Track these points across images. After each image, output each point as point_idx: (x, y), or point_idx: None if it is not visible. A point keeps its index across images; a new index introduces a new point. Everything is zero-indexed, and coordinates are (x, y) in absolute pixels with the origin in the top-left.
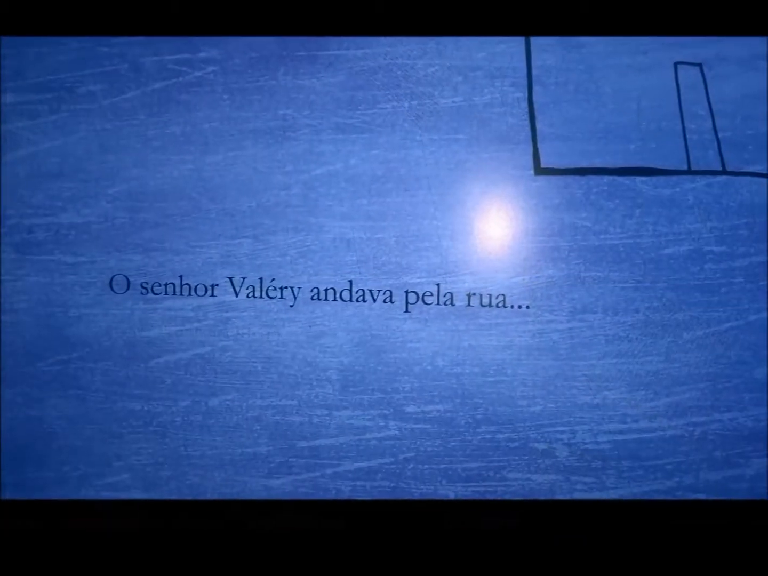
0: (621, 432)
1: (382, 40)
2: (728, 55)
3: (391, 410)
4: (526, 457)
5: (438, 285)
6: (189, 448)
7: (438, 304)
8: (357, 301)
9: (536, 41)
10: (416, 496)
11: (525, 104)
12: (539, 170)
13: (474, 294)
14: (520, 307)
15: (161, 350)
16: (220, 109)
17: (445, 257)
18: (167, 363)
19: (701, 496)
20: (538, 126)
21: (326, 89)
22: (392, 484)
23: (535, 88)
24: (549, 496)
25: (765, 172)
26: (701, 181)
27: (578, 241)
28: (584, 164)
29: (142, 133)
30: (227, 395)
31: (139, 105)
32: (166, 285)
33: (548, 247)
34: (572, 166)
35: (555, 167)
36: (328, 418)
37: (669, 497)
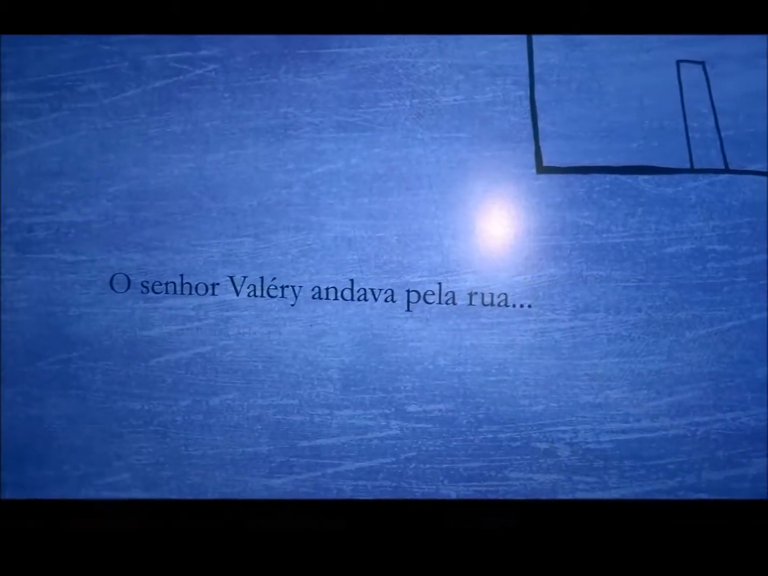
0: (623, 431)
1: (384, 38)
2: (731, 53)
3: (393, 410)
4: (528, 457)
5: (439, 284)
6: (190, 448)
7: (439, 303)
8: (358, 300)
9: (538, 39)
10: (418, 496)
11: (527, 102)
12: (541, 169)
13: (476, 293)
14: (522, 306)
15: (162, 349)
16: (221, 108)
17: (447, 256)
18: (168, 362)
19: (703, 496)
20: (540, 124)
21: (328, 87)
22: (394, 484)
23: (537, 87)
24: (551, 496)
25: (767, 170)
26: (704, 180)
27: (580, 240)
28: (586, 163)
29: (143, 131)
30: (228, 394)
31: (140, 103)
32: (166, 284)
33: (550, 246)
34: (574, 165)
35: (557, 166)
36: (329, 417)
37: (671, 497)
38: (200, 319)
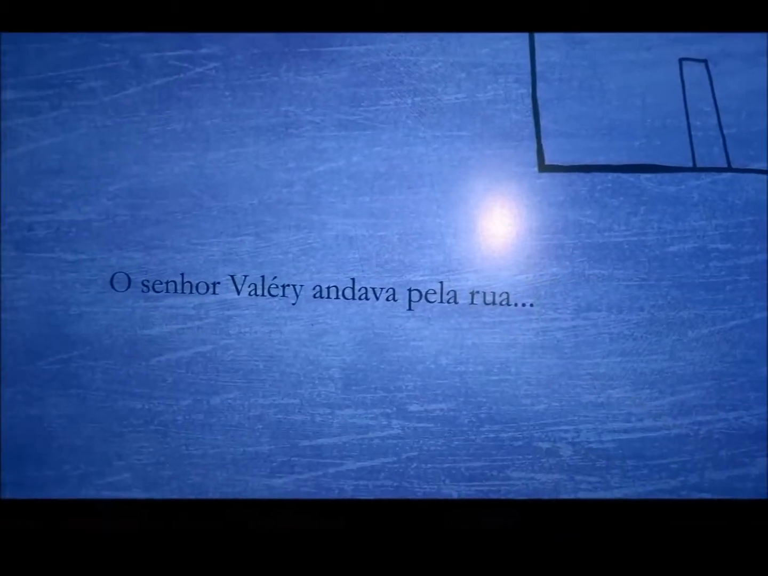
0: (625, 431)
1: (385, 36)
2: (734, 51)
3: (394, 409)
4: (530, 457)
5: (441, 283)
6: (190, 447)
7: (441, 302)
8: (360, 299)
9: (540, 37)
10: (419, 496)
11: (529, 101)
12: (543, 167)
13: (477, 292)
14: (523, 305)
15: (162, 348)
16: (221, 106)
17: (449, 255)
18: (168, 361)
19: (706, 496)
20: (542, 123)
21: (329, 86)
22: (395, 484)
23: (539, 85)
24: (553, 496)
25: None
26: (706, 178)
27: (582, 239)
28: (588, 161)
29: (143, 129)
30: (229, 394)
31: (140, 101)
32: (167, 283)
33: (552, 245)
34: (576, 163)
35: (559, 164)
36: (330, 416)
37: (674, 497)
38: (201, 318)
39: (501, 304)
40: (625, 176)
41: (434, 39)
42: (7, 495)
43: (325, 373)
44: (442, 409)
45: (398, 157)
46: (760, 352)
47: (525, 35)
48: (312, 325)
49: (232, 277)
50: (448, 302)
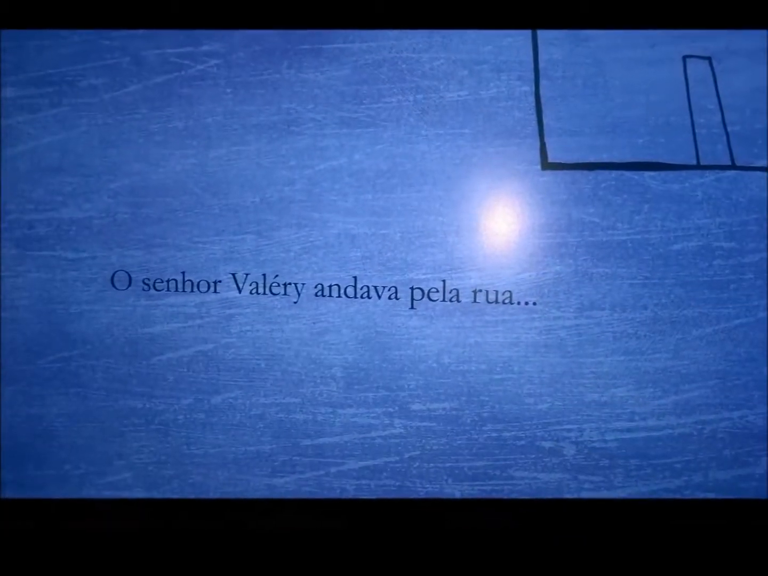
0: (629, 430)
1: (387, 33)
2: (738, 49)
3: (397, 408)
4: (533, 456)
5: (444, 281)
6: (191, 447)
7: (444, 300)
8: (362, 297)
9: (543, 34)
10: (422, 495)
11: (532, 98)
12: (546, 165)
13: (480, 290)
14: (526, 303)
15: (163, 347)
16: (223, 104)
17: (451, 253)
18: (169, 360)
19: (710, 495)
20: (545, 120)
21: (330, 83)
22: (397, 483)
23: (542, 82)
24: (556, 495)
25: None
26: (710, 176)
27: (586, 237)
28: (592, 159)
29: (144, 127)
30: (230, 393)
31: (141, 99)
32: (168, 281)
33: (555, 243)
34: (580, 161)
35: (562, 162)
36: (332, 416)
37: (677, 496)
38: (202, 317)
39: (504, 302)
40: (628, 174)
41: (437, 36)
42: (8, 494)
43: (326, 372)
44: (444, 408)
45: (400, 154)
46: (765, 351)
47: (528, 32)
48: (314, 323)
49: (233, 275)
50: (450, 301)
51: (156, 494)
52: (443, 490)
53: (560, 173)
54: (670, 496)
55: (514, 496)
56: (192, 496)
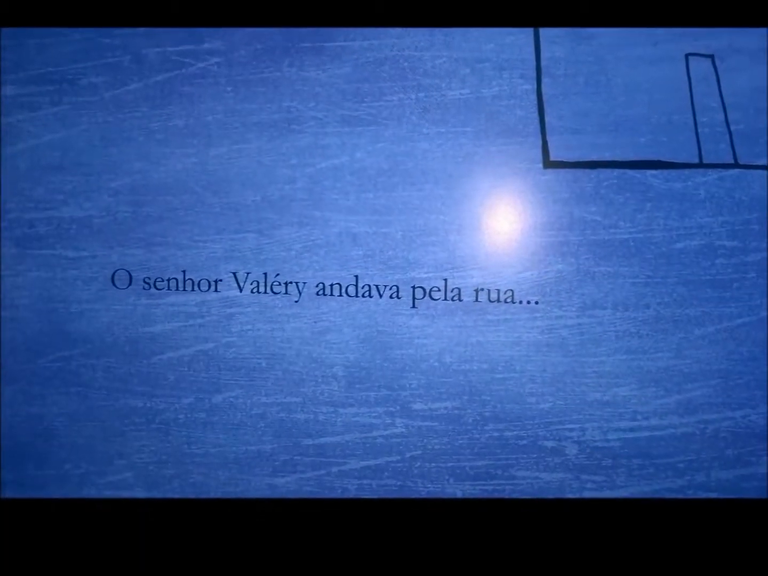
0: (631, 429)
1: (389, 31)
2: (741, 47)
3: (398, 407)
4: (535, 456)
5: (445, 280)
6: (192, 446)
7: (445, 299)
8: (363, 296)
9: (545, 32)
10: (423, 495)
11: (534, 96)
12: (548, 163)
13: (482, 289)
14: (528, 302)
15: (164, 346)
16: (224, 102)
17: (453, 252)
18: (170, 359)
19: (713, 495)
20: (547, 119)
21: (332, 81)
22: (399, 483)
23: (544, 80)
24: (558, 495)
25: None
26: (713, 175)
27: (588, 236)
28: (594, 157)
29: (145, 125)
30: (231, 392)
31: (142, 97)
32: (169, 280)
33: (557, 242)
34: (582, 160)
35: (564, 160)
36: (333, 415)
37: (680, 496)
38: (203, 316)
39: (506, 301)
40: (630, 172)
41: (438, 34)
42: (8, 494)
43: (328, 371)
44: (446, 408)
45: (402, 153)
46: (767, 350)
47: (530, 30)
48: (315, 322)
49: (234, 274)
50: (452, 300)
51: (157, 494)
52: (445, 490)
53: (562, 172)
54: (673, 495)
55: (516, 495)
56: (193, 496)
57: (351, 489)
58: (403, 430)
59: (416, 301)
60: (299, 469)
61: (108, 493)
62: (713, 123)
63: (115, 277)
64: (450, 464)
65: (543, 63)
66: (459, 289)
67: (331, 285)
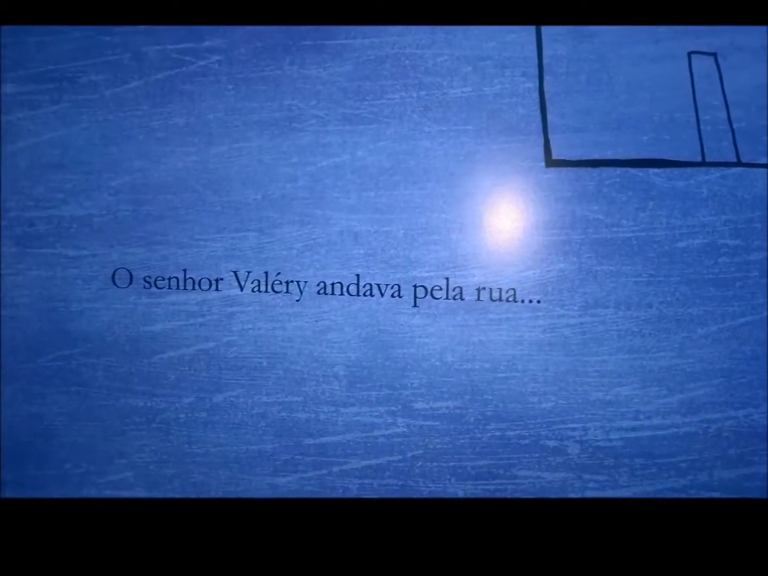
0: (634, 429)
1: (390, 29)
2: (743, 45)
3: (399, 407)
4: (537, 455)
5: (447, 279)
6: (193, 446)
7: (447, 298)
8: (364, 295)
9: (547, 30)
10: (425, 495)
11: (536, 94)
12: (550, 162)
13: (484, 288)
14: (530, 301)
15: (165, 345)
16: (224, 100)
17: (454, 251)
18: (171, 359)
19: (716, 495)
20: (549, 117)
21: (333, 79)
22: (400, 483)
23: (546, 78)
24: (560, 495)
25: None
26: (716, 173)
27: (590, 234)
28: (596, 156)
29: (145, 124)
30: (232, 391)
31: (142, 95)
32: (169, 279)
33: (559, 241)
34: (584, 158)
35: (566, 159)
36: (334, 414)
37: (683, 495)
38: (204, 315)
39: (507, 300)
40: (633, 171)
41: (440, 32)
42: (8, 494)
43: (329, 370)
44: (447, 407)
45: (403, 151)
46: None
47: (532, 28)
48: (316, 321)
49: (235, 273)
50: (454, 299)
51: (157, 494)
52: (446, 490)
53: (564, 170)
54: (675, 495)
55: (517, 495)
56: (193, 496)
57: (352, 489)
58: (405, 429)
59: (418, 300)
60: (300, 469)
61: (108, 493)
62: (716, 121)
63: (116, 276)
64: (452, 464)
65: (545, 61)
66: (461, 288)
67: (333, 284)
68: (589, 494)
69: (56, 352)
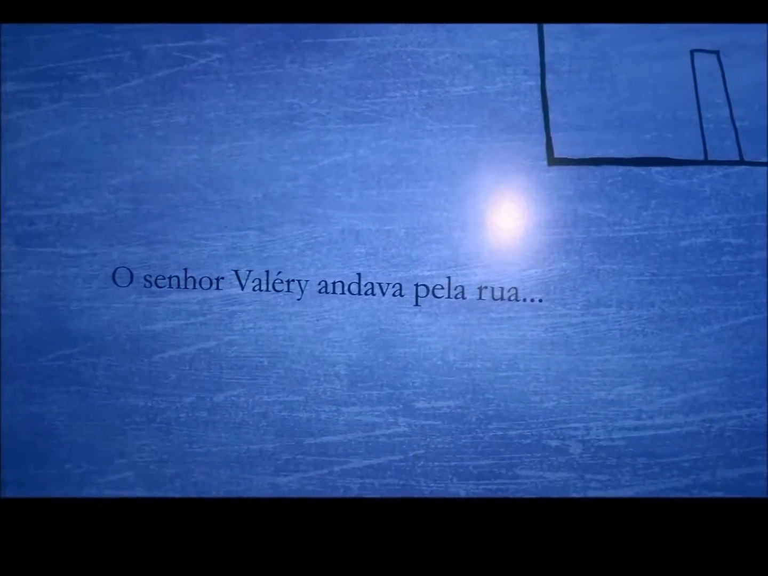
0: (636, 428)
1: (392, 27)
2: (746, 43)
3: (401, 406)
4: (539, 455)
5: (449, 278)
6: (194, 445)
7: (449, 297)
8: (366, 294)
9: (549, 28)
10: (426, 494)
11: (538, 93)
12: (552, 160)
13: (485, 287)
14: (532, 300)
15: (165, 345)
16: (225, 98)
17: (456, 249)
18: (171, 358)
19: (719, 494)
20: (552, 115)
21: (334, 77)
22: (402, 482)
23: (549, 77)
24: (562, 494)
25: None
26: (718, 172)
27: (592, 233)
28: (598, 154)
29: (146, 122)
30: (233, 391)
31: (143, 93)
32: (170, 278)
33: (561, 239)
34: (586, 156)
35: (568, 157)
36: (336, 414)
37: (685, 495)
38: (204, 314)
39: (509, 299)
40: (635, 169)
41: (442, 30)
42: (8, 494)
43: (330, 369)
44: (449, 407)
45: (405, 150)
46: None
47: (534, 26)
48: (317, 320)
49: (236, 272)
50: (455, 297)
51: (158, 493)
52: (448, 489)
53: (566, 169)
54: (678, 495)
55: (519, 495)
56: (194, 495)
57: (353, 488)
58: (406, 428)
59: (419, 299)
60: (301, 468)
61: (108, 493)
62: (718, 119)
63: (116, 275)
64: (453, 463)
65: (547, 59)
66: (462, 287)
67: (334, 283)
68: (592, 494)
69: (56, 352)
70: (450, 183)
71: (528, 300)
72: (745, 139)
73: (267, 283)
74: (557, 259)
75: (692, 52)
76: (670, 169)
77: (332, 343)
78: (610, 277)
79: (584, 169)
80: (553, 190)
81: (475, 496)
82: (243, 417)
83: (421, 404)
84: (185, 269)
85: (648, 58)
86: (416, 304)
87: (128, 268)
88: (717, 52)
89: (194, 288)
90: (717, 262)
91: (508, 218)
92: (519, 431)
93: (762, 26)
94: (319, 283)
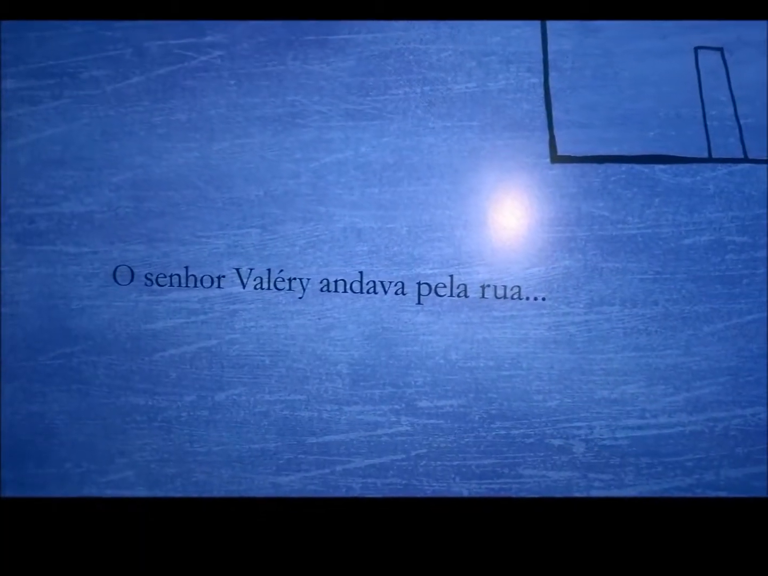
0: (639, 427)
1: (394, 24)
2: (750, 39)
3: (403, 405)
4: (542, 454)
5: (451, 276)
6: (195, 444)
7: (451, 295)
8: (368, 292)
9: (552, 25)
10: (429, 494)
11: (541, 90)
12: (555, 158)
13: (488, 285)
14: (535, 299)
15: (166, 343)
16: (226, 96)
17: (459, 248)
18: (172, 357)
19: (722, 494)
20: (555, 112)
21: (336, 75)
22: (404, 482)
23: (552, 74)
24: (565, 494)
25: None
26: (722, 170)
27: (595, 231)
28: (602, 152)
29: (147, 119)
30: (234, 390)
31: (144, 91)
32: (171, 276)
33: (564, 237)
34: (589, 154)
35: (572, 155)
36: (338, 413)
37: (689, 495)
38: (205, 313)
39: (512, 297)
40: (639, 167)
41: (444, 27)
42: (8, 493)
43: (332, 368)
44: (452, 406)
45: (407, 147)
46: None
47: (537, 23)
48: (319, 319)
49: (237, 270)
50: (458, 296)
51: (158, 493)
52: (450, 489)
53: (569, 166)
54: (682, 494)
55: (522, 494)
56: (195, 495)
57: (355, 488)
58: (409, 428)
59: (422, 297)
60: (303, 468)
61: (109, 492)
62: (722, 117)
63: (117, 273)
64: (456, 463)
65: (550, 56)
66: (465, 286)
67: (336, 281)
68: (595, 493)
69: (57, 350)
70: (452, 181)
71: (531, 298)
72: (749, 136)
73: (268, 282)
74: (560, 258)
75: (696, 49)
76: (674, 166)
77: (334, 342)
78: (614, 276)
79: (587, 167)
80: (556, 188)
81: (478, 495)
82: (244, 416)
83: (423, 403)
84: (186, 267)
85: (651, 56)
86: (418, 303)
87: (129, 267)
88: (721, 50)
89: (195, 286)
90: (721, 261)
91: (510, 216)
92: (522, 430)
93: (766, 23)
94: (321, 282)
